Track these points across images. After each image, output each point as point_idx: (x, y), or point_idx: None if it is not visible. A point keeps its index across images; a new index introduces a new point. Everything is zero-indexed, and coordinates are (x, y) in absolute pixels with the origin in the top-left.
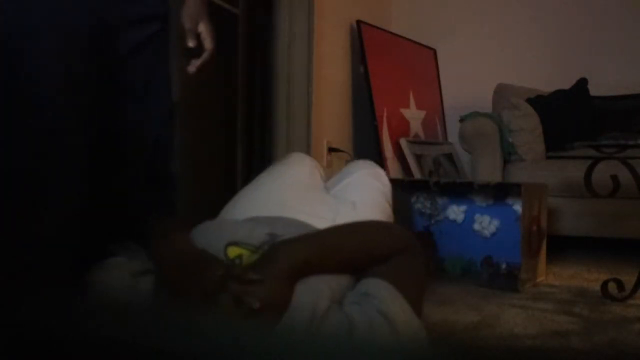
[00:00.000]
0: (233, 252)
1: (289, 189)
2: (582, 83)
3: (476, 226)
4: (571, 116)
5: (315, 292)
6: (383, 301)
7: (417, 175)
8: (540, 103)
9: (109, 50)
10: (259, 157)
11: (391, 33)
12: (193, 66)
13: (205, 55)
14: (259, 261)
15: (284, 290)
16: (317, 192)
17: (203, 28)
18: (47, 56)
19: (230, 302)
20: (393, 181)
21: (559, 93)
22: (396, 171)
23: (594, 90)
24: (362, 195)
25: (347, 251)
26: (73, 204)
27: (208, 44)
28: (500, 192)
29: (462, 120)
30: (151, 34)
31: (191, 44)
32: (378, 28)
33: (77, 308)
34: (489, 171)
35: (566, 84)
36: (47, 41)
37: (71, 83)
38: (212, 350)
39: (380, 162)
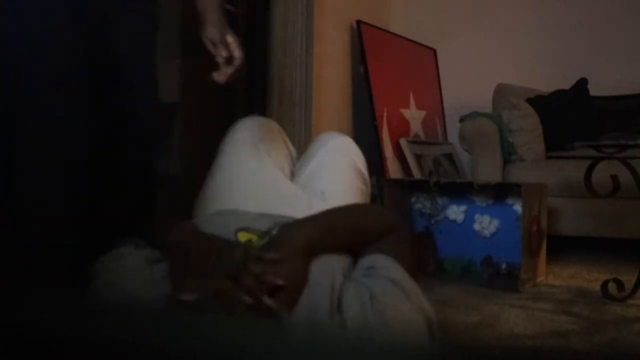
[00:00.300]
0: (243, 236)
1: (260, 189)
2: (582, 83)
3: (476, 226)
4: (571, 116)
5: (330, 268)
6: (391, 270)
7: (417, 175)
8: (540, 103)
9: (94, 45)
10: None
11: (391, 33)
12: (224, 75)
13: (236, 63)
14: (273, 242)
15: (302, 267)
16: (287, 186)
17: (230, 39)
18: (33, 51)
19: (252, 282)
20: (393, 181)
21: (559, 93)
22: (396, 171)
23: (594, 90)
24: (331, 179)
25: (349, 231)
26: (60, 203)
27: (238, 53)
28: (500, 192)
29: (462, 120)
30: (137, 29)
31: (224, 53)
32: (378, 28)
33: (94, 305)
34: (489, 171)
35: (566, 84)
36: (33, 36)
37: (58, 78)
38: (237, 334)
39: (380, 162)
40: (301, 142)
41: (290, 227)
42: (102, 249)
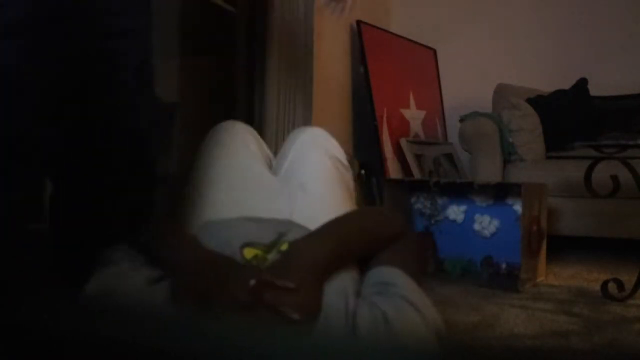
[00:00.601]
0: (249, 253)
1: (241, 185)
2: (582, 83)
3: (476, 226)
4: (571, 116)
5: (342, 290)
6: (403, 287)
7: (417, 175)
8: (540, 103)
9: (82, 40)
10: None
11: (391, 33)
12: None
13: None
14: (284, 263)
15: (316, 293)
16: (269, 181)
17: None
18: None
19: (266, 313)
20: (393, 181)
21: (559, 93)
22: (396, 171)
23: (594, 90)
24: (308, 170)
25: (356, 243)
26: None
27: None
28: (500, 192)
29: (462, 120)
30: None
31: None
32: (378, 28)
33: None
34: (489, 171)
35: (566, 84)
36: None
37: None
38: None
39: (381, 162)
40: None
41: (301, 247)
42: (93, 257)
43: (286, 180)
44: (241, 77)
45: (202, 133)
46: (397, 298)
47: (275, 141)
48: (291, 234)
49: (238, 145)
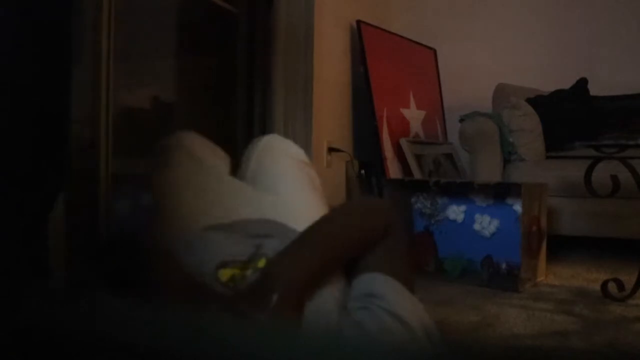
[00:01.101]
0: (225, 274)
1: (210, 192)
2: (582, 83)
3: (476, 226)
4: (571, 116)
5: (325, 308)
6: (391, 301)
7: (417, 175)
8: (540, 103)
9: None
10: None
11: (391, 33)
12: None
13: None
14: (260, 286)
15: (296, 315)
16: (236, 186)
17: None
18: None
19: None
20: (393, 181)
21: (559, 93)
22: (396, 171)
23: (594, 90)
24: (274, 172)
25: (339, 249)
26: None
27: None
28: (500, 192)
29: (462, 120)
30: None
31: None
32: (378, 28)
33: None
34: (489, 171)
35: (566, 84)
36: None
37: None
38: None
39: (381, 162)
40: (301, 142)
41: (279, 266)
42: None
43: (252, 184)
44: (242, 76)
45: (201, 133)
46: (382, 313)
47: None
48: (268, 243)
49: (198, 155)
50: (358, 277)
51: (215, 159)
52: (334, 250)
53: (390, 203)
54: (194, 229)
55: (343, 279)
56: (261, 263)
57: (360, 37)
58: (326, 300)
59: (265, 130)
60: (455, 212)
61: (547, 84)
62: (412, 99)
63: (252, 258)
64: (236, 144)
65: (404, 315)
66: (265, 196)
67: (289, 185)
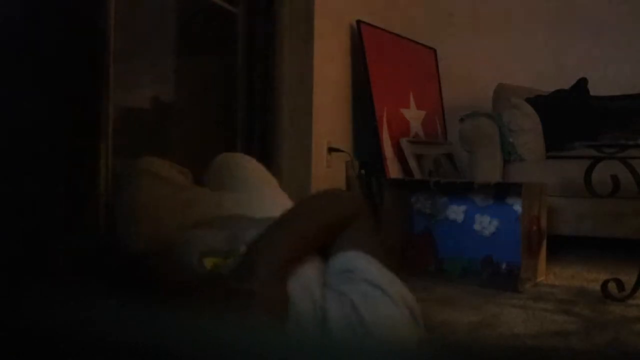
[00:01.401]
0: (209, 262)
1: (179, 200)
2: (582, 83)
3: (476, 226)
4: (571, 116)
5: (308, 284)
6: (369, 273)
7: (417, 175)
8: (540, 103)
9: None
10: (258, 157)
11: (391, 33)
12: None
13: None
14: (245, 265)
15: (282, 292)
16: (203, 191)
17: None
18: None
19: (238, 318)
20: (393, 181)
21: (559, 93)
22: (396, 171)
23: (594, 90)
24: (232, 175)
25: (313, 232)
26: None
27: None
28: (500, 192)
29: (462, 120)
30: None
31: None
32: (378, 28)
33: None
34: (489, 171)
35: (566, 84)
36: None
37: None
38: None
39: (381, 162)
40: (301, 142)
41: (260, 248)
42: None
43: (217, 189)
44: (242, 76)
45: (202, 133)
46: (362, 283)
47: (275, 140)
48: (245, 233)
49: (163, 174)
50: (334, 257)
51: (179, 175)
52: (307, 231)
53: (357, 193)
54: (171, 231)
55: (320, 262)
56: (242, 250)
57: (360, 37)
58: (307, 278)
59: (265, 130)
60: (455, 212)
61: (547, 84)
62: (412, 99)
63: (233, 247)
64: (236, 144)
65: (383, 284)
66: (227, 196)
67: (247, 184)
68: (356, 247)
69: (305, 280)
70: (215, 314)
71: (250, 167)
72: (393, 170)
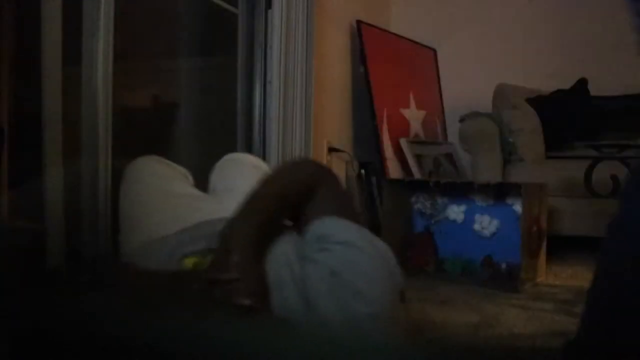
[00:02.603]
0: (189, 262)
1: (170, 204)
2: (582, 83)
3: (476, 226)
4: (571, 116)
5: (285, 259)
6: (341, 233)
7: (417, 175)
8: (540, 103)
9: None
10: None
11: (391, 33)
12: None
13: None
14: (220, 256)
15: (258, 269)
16: (196, 195)
17: None
18: None
19: (222, 306)
20: (393, 181)
21: (559, 93)
22: (396, 171)
23: (594, 90)
24: (233, 177)
25: (279, 204)
26: None
27: None
28: (500, 192)
29: (462, 120)
30: None
31: None
32: (378, 28)
33: None
34: (489, 171)
35: (566, 84)
36: None
37: None
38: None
39: (380, 162)
40: (301, 142)
41: (230, 233)
42: None
43: (214, 192)
44: (242, 76)
45: (201, 132)
46: (338, 246)
47: (276, 140)
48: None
49: (160, 175)
50: (307, 227)
51: (176, 176)
52: (271, 204)
53: (318, 161)
54: (154, 238)
55: (295, 235)
56: (216, 243)
57: (360, 37)
58: (283, 252)
59: (265, 130)
60: (455, 212)
61: (547, 84)
62: (412, 99)
63: (209, 245)
64: (236, 144)
65: (355, 240)
66: (221, 200)
67: (246, 184)
68: (326, 213)
69: (283, 256)
70: (198, 308)
71: (255, 166)
72: (393, 170)
